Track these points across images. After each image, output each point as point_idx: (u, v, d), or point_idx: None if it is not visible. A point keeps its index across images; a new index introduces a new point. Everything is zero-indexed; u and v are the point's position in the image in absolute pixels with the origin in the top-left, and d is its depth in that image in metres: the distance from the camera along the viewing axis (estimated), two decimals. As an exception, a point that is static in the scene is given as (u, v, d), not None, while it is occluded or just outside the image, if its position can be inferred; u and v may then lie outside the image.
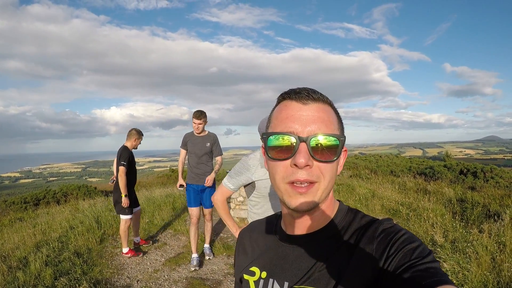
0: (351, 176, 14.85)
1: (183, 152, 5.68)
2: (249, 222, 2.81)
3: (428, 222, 6.72)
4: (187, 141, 5.57)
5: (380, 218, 0.91)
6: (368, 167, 17.71)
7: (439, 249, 5.38)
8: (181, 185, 5.67)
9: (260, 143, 1.59)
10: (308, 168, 0.81)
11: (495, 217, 6.66)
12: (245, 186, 2.82)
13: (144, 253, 6.12)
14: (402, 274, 0.73)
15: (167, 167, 51.25)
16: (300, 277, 0.89)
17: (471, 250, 5.03)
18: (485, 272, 4.41)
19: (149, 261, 5.80)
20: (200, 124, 5.36)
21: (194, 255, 5.55)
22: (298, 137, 0.81)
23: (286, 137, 0.83)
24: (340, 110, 0.94)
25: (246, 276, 1.04)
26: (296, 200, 0.83)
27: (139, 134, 6.04)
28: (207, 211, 5.72)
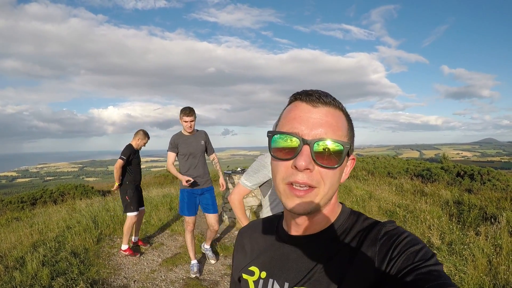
0: (348, 177, 14.83)
1: (172, 155, 5.14)
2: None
3: (425, 224, 6.73)
4: (178, 143, 5.09)
5: (382, 220, 0.91)
6: (365, 168, 17.72)
7: (436, 251, 5.39)
8: (187, 180, 4.99)
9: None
10: (308, 172, 0.80)
11: (492, 220, 6.67)
12: (260, 186, 2.83)
13: (141, 253, 6.10)
14: (404, 277, 0.72)
15: (164, 167, 51.18)
16: (300, 278, 0.88)
17: (467, 252, 5.05)
18: (481, 274, 4.42)
19: (146, 261, 5.78)
20: (192, 121, 4.97)
21: (194, 261, 5.30)
22: (302, 139, 0.80)
23: (289, 138, 0.82)
24: (350, 116, 0.92)
25: (245, 276, 1.02)
26: (292, 202, 0.82)
27: (144, 135, 6.15)
28: (213, 218, 5.27)
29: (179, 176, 5.08)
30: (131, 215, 5.93)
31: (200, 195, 5.23)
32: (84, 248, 6.17)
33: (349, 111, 0.91)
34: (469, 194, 9.82)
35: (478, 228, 6.31)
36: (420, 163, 19.88)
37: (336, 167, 0.83)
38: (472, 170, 13.50)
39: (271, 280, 0.95)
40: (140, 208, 6.24)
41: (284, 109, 0.92)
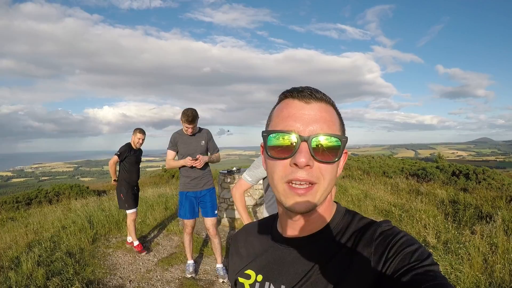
0: (343, 177, 14.89)
1: (171, 154, 4.94)
2: (264, 216, 2.95)
3: (421, 223, 6.74)
4: (177, 142, 4.86)
5: (378, 220, 0.90)
6: (360, 168, 17.76)
7: (431, 250, 5.40)
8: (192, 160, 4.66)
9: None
10: (308, 168, 0.79)
11: (487, 219, 6.70)
12: (263, 180, 2.97)
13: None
14: (401, 277, 0.72)
15: (159, 166, 51.11)
16: (297, 281, 0.87)
17: (463, 251, 5.06)
18: (477, 273, 4.43)
19: (141, 261, 5.77)
20: (193, 128, 4.70)
21: (190, 261, 5.23)
22: (299, 136, 0.79)
23: (286, 136, 0.81)
24: (339, 111, 0.92)
25: (241, 279, 1.01)
26: (294, 201, 0.81)
27: (137, 131, 6.17)
28: (210, 222, 4.97)
29: (181, 162, 4.80)
30: (129, 212, 6.02)
31: (199, 198, 4.98)
32: (80, 248, 6.15)
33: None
34: (464, 193, 9.86)
35: (473, 227, 6.34)
36: (416, 163, 19.96)
37: (336, 161, 0.82)
38: (467, 169, 13.56)
39: (267, 283, 0.93)
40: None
41: (274, 108, 0.91)
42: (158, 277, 5.19)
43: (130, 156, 6.08)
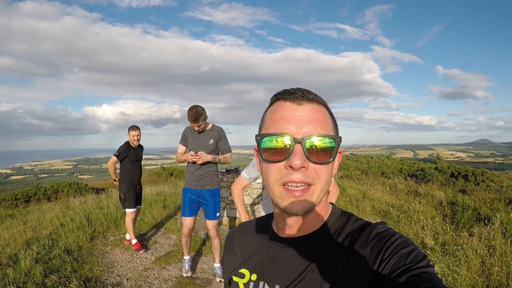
0: (342, 177, 14.89)
1: (181, 147, 4.83)
2: (262, 214, 3.01)
3: (419, 224, 6.75)
4: (187, 137, 4.76)
5: (374, 221, 0.90)
6: (359, 168, 17.77)
7: (429, 252, 5.41)
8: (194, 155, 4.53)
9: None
10: (303, 170, 0.79)
11: (486, 221, 6.70)
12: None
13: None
14: (396, 279, 0.72)
15: (158, 165, 51.03)
16: (291, 280, 0.86)
17: (461, 253, 5.06)
18: (474, 275, 4.44)
19: (139, 259, 5.77)
20: (199, 126, 4.52)
21: (186, 257, 5.15)
22: (293, 138, 0.79)
23: (280, 138, 0.81)
24: (331, 111, 0.92)
25: (235, 278, 1.01)
26: (290, 203, 0.81)
27: (130, 129, 6.06)
28: (211, 224, 4.82)
29: (185, 156, 4.71)
30: (128, 211, 6.03)
31: (201, 197, 4.80)
32: (78, 246, 6.14)
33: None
34: (463, 195, 9.87)
35: (471, 229, 6.33)
36: (414, 163, 19.96)
37: (330, 161, 0.82)
38: (466, 170, 13.56)
39: (261, 283, 0.93)
40: (137, 206, 6.28)
41: (267, 111, 0.91)
42: (156, 275, 5.19)
43: (129, 155, 6.06)
